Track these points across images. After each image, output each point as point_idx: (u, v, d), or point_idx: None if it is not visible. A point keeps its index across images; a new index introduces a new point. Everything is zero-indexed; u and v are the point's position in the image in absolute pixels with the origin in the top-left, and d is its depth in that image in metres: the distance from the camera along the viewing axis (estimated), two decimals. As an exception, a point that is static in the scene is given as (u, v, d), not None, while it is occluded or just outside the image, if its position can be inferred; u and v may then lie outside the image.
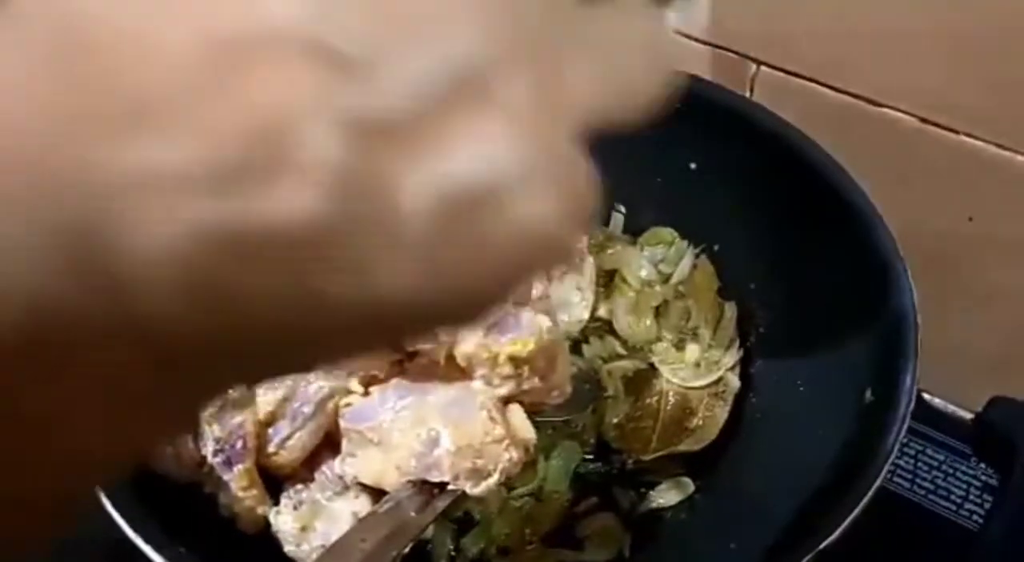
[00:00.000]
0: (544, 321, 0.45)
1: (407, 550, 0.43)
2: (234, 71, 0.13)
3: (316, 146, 0.13)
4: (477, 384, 0.44)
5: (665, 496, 0.58)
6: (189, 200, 0.13)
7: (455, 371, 0.45)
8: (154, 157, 0.13)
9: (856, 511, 0.42)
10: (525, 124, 0.15)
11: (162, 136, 0.13)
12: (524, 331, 0.44)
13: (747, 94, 0.67)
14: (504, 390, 0.44)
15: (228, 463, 0.46)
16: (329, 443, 0.49)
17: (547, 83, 0.15)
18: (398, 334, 0.17)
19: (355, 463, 0.45)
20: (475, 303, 0.16)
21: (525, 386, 0.44)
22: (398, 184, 0.13)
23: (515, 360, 0.43)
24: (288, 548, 0.48)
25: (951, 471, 0.65)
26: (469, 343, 0.43)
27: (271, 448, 0.47)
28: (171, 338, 0.13)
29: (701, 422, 0.61)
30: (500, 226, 0.15)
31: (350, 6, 0.13)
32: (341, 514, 0.47)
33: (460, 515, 0.57)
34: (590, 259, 0.66)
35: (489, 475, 0.42)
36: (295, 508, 0.48)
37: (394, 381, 0.45)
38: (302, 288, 0.14)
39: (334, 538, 0.43)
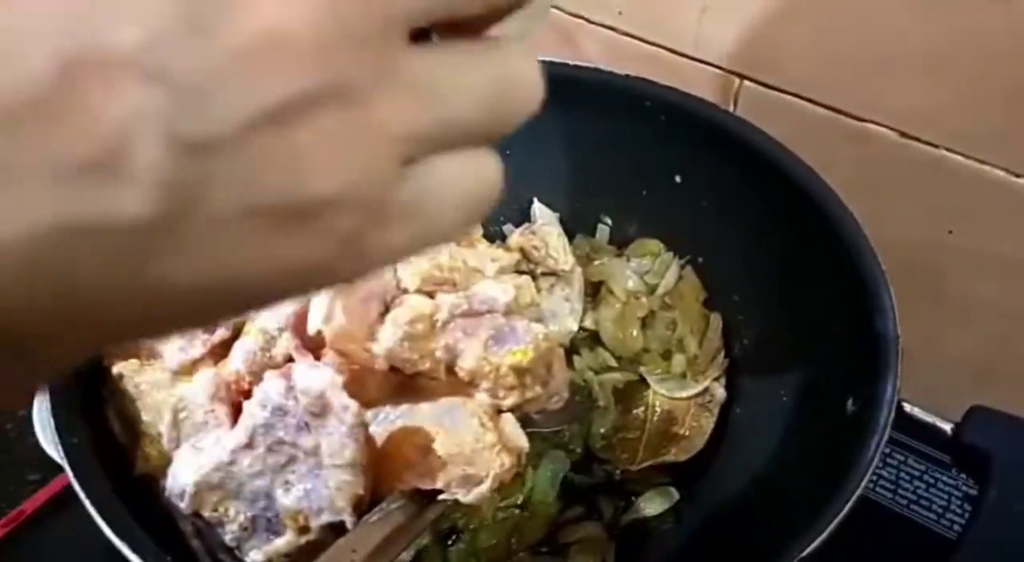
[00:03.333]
0: (539, 328, 0.46)
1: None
2: (83, 85, 0.15)
3: (147, 156, 0.15)
4: (482, 397, 0.45)
5: (650, 505, 0.58)
6: (39, 194, 0.15)
7: (457, 387, 0.45)
8: (8, 153, 0.15)
9: (837, 520, 0.42)
10: (338, 152, 0.17)
11: (17, 135, 0.15)
12: (522, 340, 0.44)
13: (731, 108, 0.68)
14: (510, 401, 0.45)
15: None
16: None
17: (360, 121, 0.17)
18: (229, 310, 0.19)
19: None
20: (298, 282, 0.19)
21: (528, 394, 0.45)
22: (217, 192, 0.16)
23: (517, 370, 0.44)
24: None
25: (932, 481, 0.65)
26: (470, 358, 0.44)
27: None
28: (14, 322, 0.16)
29: (687, 432, 0.61)
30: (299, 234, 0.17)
31: (192, 41, 0.15)
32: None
33: (447, 527, 0.57)
34: (578, 270, 0.67)
35: (481, 482, 0.42)
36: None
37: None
38: (139, 277, 0.16)
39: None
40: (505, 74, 0.20)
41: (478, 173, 0.20)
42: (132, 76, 0.15)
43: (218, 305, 0.18)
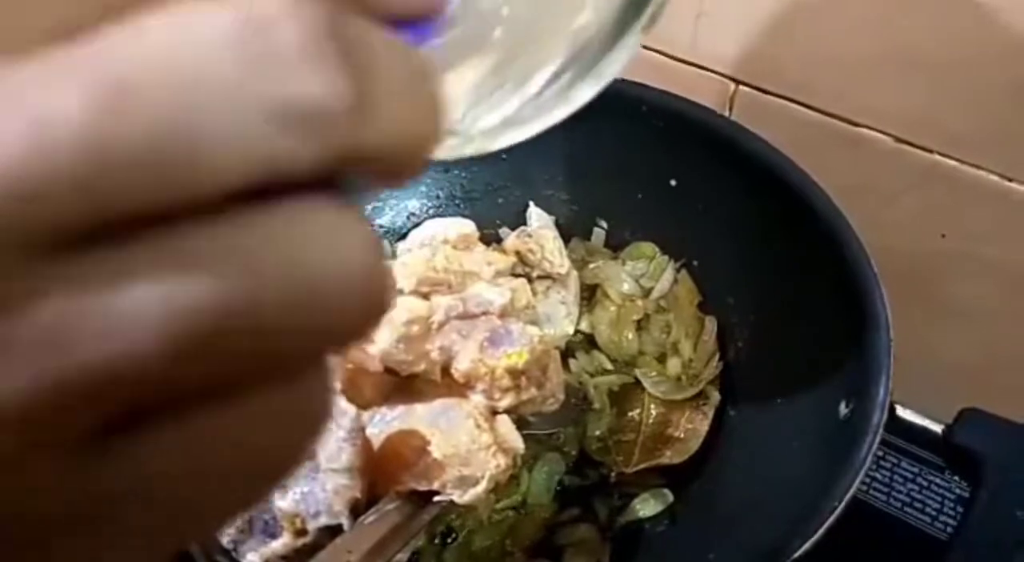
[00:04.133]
0: (535, 330, 0.46)
1: None
2: None
3: None
4: (478, 398, 0.45)
5: (645, 507, 0.58)
6: None
7: (453, 388, 0.45)
8: None
9: (830, 521, 0.43)
10: None
11: None
12: (517, 343, 0.44)
13: (726, 113, 0.68)
14: (506, 402, 0.45)
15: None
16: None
17: None
18: None
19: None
20: None
21: (524, 396, 0.45)
22: None
23: (512, 372, 0.44)
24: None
25: (926, 483, 0.66)
26: (465, 360, 0.44)
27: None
28: None
29: (682, 435, 0.62)
30: None
31: None
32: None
33: (442, 529, 0.57)
34: (574, 273, 0.67)
35: (477, 483, 0.42)
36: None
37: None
38: None
39: None
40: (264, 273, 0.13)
41: (244, 433, 0.13)
42: None
43: None
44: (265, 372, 0.13)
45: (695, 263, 0.68)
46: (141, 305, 0.12)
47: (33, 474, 0.12)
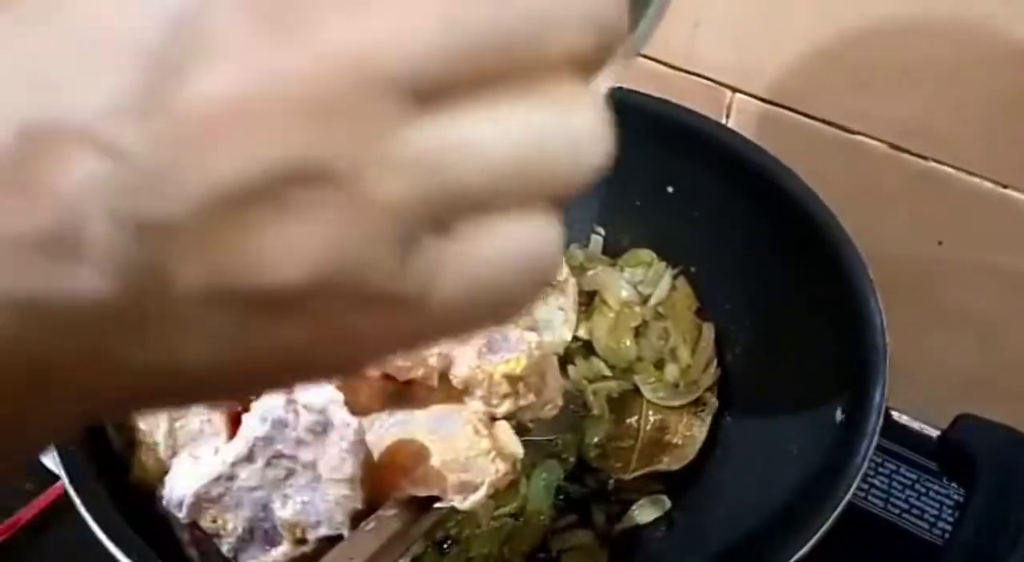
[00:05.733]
0: (532, 337, 0.46)
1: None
2: (39, 155, 0.14)
3: (98, 234, 0.14)
4: (476, 405, 0.45)
5: (642, 514, 0.59)
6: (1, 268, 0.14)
7: (451, 394, 0.45)
8: None
9: (827, 526, 0.43)
10: (313, 236, 0.15)
11: None
12: (515, 349, 0.45)
13: (723, 120, 0.69)
14: (504, 408, 0.45)
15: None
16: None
17: (342, 200, 0.15)
18: (227, 392, 0.18)
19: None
20: (283, 373, 0.18)
21: (522, 402, 0.45)
22: (179, 276, 0.15)
23: (510, 378, 0.44)
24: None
25: (924, 490, 0.66)
26: (463, 366, 0.44)
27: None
28: None
29: (680, 441, 0.62)
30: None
31: (149, 108, 0.14)
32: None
33: (441, 536, 0.57)
34: (572, 280, 0.67)
35: (476, 489, 0.42)
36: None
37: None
38: (106, 358, 0.15)
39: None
40: (547, 128, 0.16)
41: (507, 251, 0.17)
42: (85, 147, 0.14)
43: (199, 389, 0.17)
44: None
45: (693, 269, 0.68)
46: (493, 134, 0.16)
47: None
